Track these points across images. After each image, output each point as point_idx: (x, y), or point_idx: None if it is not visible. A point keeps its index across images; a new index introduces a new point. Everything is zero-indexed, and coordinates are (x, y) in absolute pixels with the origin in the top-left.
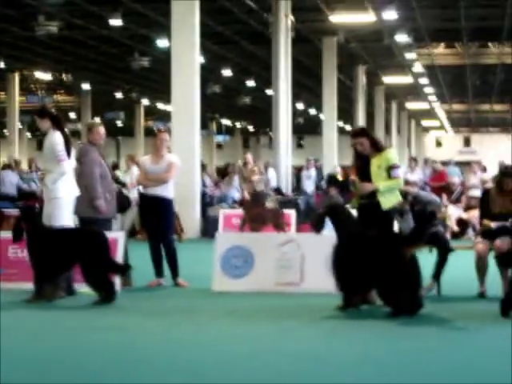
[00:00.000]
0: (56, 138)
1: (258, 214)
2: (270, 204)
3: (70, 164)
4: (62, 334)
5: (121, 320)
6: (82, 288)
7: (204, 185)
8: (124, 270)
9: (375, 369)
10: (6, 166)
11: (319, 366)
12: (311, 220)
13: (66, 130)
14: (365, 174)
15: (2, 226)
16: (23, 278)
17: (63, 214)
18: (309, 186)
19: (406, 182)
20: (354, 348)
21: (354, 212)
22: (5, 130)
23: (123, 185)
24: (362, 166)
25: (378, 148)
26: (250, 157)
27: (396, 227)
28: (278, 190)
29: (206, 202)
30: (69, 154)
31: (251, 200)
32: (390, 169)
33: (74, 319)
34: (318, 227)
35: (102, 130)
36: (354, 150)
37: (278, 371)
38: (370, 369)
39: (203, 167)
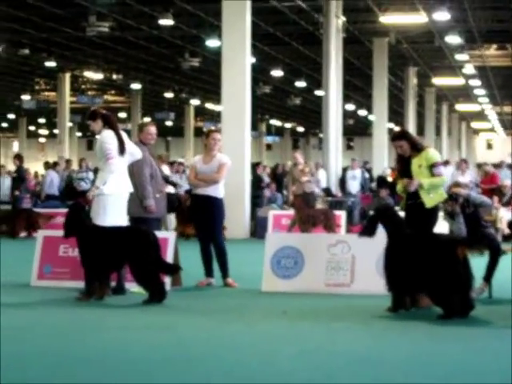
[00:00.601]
0: (105, 137)
1: (309, 215)
2: (320, 205)
3: (122, 162)
4: (111, 333)
5: (170, 319)
6: (133, 287)
7: (261, 183)
8: (174, 269)
9: (425, 370)
10: (51, 166)
11: (369, 366)
12: (363, 225)
13: (118, 128)
14: (407, 175)
15: (46, 225)
16: (74, 276)
17: (109, 211)
18: (353, 186)
19: (457, 184)
20: (404, 349)
21: (402, 214)
22: (55, 130)
23: (174, 184)
24: (403, 167)
25: (417, 148)
26: (299, 156)
27: (447, 229)
28: (327, 191)
29: (259, 202)
30: (122, 152)
31: (301, 201)
32: (432, 167)
33: (124, 318)
34: (370, 231)
35: (153, 129)
36: (396, 153)
37: (327, 372)
38: (420, 370)
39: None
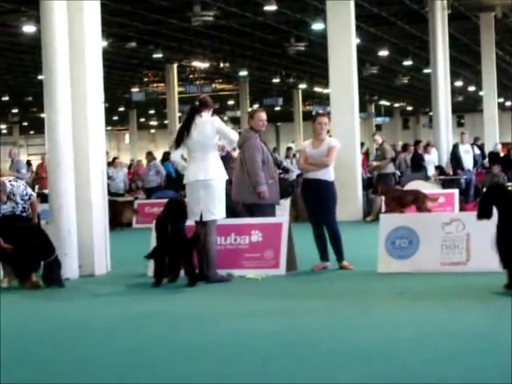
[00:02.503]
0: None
1: (394, 196)
2: (431, 184)
3: (188, 152)
4: (229, 319)
5: (287, 304)
6: (249, 274)
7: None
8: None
9: None
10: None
11: (488, 345)
12: (478, 207)
13: (192, 116)
14: None
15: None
16: None
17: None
18: (468, 161)
19: None
20: None
21: None
22: (165, 121)
23: (285, 170)
24: None
25: None
26: (378, 137)
27: None
28: (440, 169)
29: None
30: (179, 142)
31: (383, 183)
32: None
33: (241, 304)
34: (487, 214)
35: (263, 115)
36: None
37: (446, 351)
38: None
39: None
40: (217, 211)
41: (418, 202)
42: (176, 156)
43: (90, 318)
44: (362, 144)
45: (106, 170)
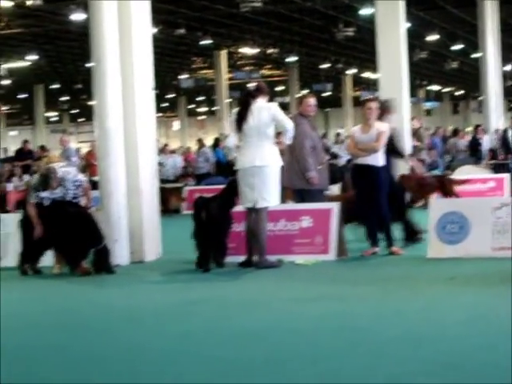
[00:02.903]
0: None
1: (418, 183)
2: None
3: (242, 138)
4: (281, 304)
5: (338, 289)
6: (298, 259)
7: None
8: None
9: None
10: (217, 144)
11: None
12: None
13: (248, 103)
14: None
15: None
16: (238, 251)
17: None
18: None
19: None
20: None
21: None
22: (214, 108)
23: (335, 156)
24: None
25: None
26: (416, 122)
27: None
28: (493, 154)
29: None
30: (238, 128)
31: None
32: None
33: (293, 290)
34: None
35: (312, 101)
36: None
37: (496, 337)
38: None
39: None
40: (271, 198)
41: (444, 187)
42: (232, 142)
43: (141, 305)
44: None
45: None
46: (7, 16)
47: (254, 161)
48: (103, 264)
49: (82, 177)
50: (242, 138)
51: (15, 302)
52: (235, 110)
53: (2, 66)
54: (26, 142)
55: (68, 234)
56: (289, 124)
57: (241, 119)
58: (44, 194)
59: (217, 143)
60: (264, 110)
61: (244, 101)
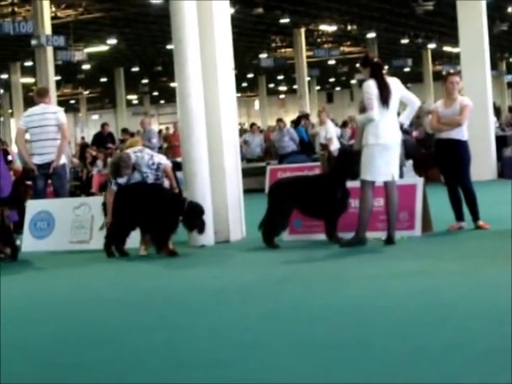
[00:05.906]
0: (366, 86)
1: (422, 159)
2: None
3: (385, 112)
4: (368, 281)
5: (424, 265)
6: (384, 236)
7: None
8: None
9: None
10: (299, 122)
11: None
12: None
13: (384, 77)
14: None
15: None
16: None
17: (374, 162)
18: None
19: None
20: None
21: None
22: (294, 86)
23: (405, 132)
24: None
25: None
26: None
27: None
28: None
29: (506, 142)
30: (385, 102)
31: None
32: None
33: (379, 266)
34: None
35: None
36: None
37: None
38: None
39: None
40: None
41: None
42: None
43: (227, 284)
44: None
45: (243, 135)
46: (86, 1)
47: (398, 134)
48: (195, 221)
49: (159, 159)
50: (383, 112)
51: (105, 283)
52: (370, 82)
53: (83, 50)
54: (104, 124)
55: (154, 213)
56: (417, 102)
57: (388, 93)
58: (121, 181)
59: (299, 121)
60: (394, 83)
61: (376, 72)
